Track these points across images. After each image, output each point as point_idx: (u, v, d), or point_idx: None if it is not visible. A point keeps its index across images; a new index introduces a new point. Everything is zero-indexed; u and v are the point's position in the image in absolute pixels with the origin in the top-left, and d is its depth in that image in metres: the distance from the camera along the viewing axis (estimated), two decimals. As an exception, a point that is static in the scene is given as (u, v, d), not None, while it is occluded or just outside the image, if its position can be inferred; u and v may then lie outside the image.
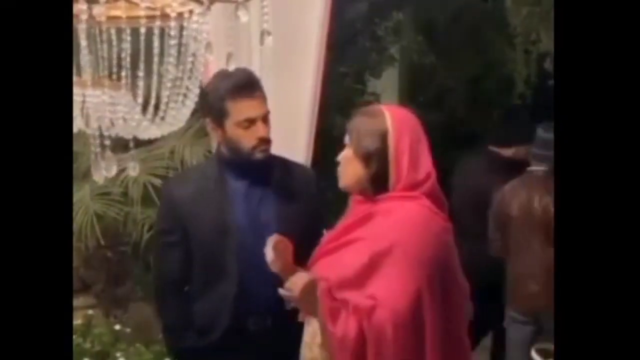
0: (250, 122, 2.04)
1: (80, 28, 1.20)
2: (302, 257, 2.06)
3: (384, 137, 1.76)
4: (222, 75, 2.02)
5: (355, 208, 1.84)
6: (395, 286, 1.66)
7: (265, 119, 2.07)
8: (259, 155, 2.07)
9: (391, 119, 1.78)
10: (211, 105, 2.05)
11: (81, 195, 3.01)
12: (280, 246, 1.82)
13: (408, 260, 1.67)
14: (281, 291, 1.81)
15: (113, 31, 1.27)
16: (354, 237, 1.77)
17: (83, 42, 1.23)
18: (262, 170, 2.12)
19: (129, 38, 1.27)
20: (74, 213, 2.96)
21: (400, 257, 1.67)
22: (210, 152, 2.68)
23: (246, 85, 2.02)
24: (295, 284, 1.77)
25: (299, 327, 1.89)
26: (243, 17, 1.23)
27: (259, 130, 2.04)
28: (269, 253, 1.82)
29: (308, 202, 2.20)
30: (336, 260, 1.77)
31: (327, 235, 1.88)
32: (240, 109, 2.02)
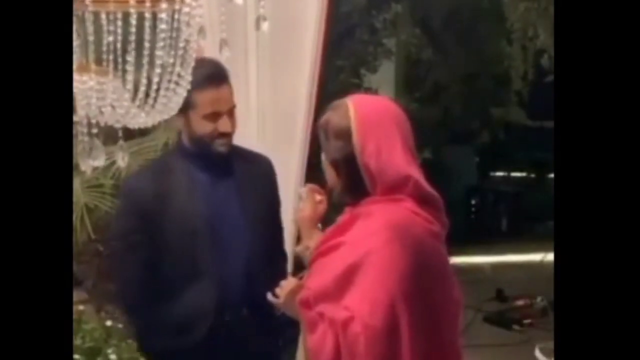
0: (216, 115, 2.00)
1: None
2: (269, 246, 2.06)
3: (348, 137, 1.57)
4: (196, 64, 1.98)
5: (346, 209, 1.70)
6: (369, 297, 1.51)
7: (230, 112, 2.02)
8: (220, 148, 2.03)
9: (354, 116, 1.57)
10: None
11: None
12: (312, 194, 1.75)
13: (382, 268, 1.52)
14: (269, 297, 1.74)
15: (103, 15, 1.23)
16: (339, 241, 1.62)
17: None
18: (225, 160, 2.08)
19: (119, 22, 1.23)
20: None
21: (374, 265, 1.52)
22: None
23: (214, 77, 1.96)
24: (283, 289, 1.69)
25: (275, 316, 1.87)
26: (237, 0, 1.18)
27: (223, 123, 2.00)
28: (299, 200, 1.77)
29: (269, 190, 2.19)
30: (323, 265, 1.65)
31: (323, 234, 1.75)
32: (207, 101, 1.97)
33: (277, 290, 1.73)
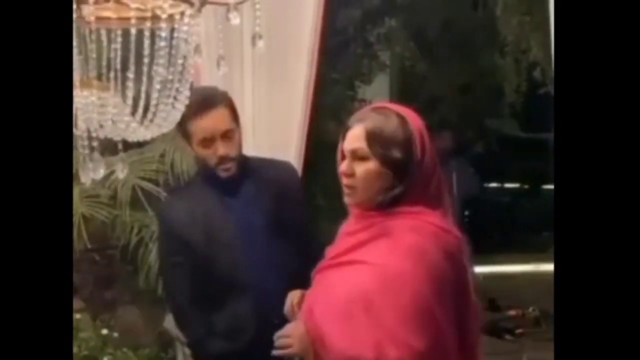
0: (209, 140, 2.05)
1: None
2: (298, 256, 2.09)
3: (408, 144, 1.58)
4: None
5: (357, 222, 1.66)
6: (404, 319, 1.49)
7: (226, 135, 2.06)
8: (223, 173, 2.09)
9: (412, 123, 1.60)
10: (179, 126, 2.06)
11: (69, 197, 2.99)
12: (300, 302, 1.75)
13: (413, 291, 1.50)
14: (277, 351, 1.71)
15: (103, 32, 1.27)
16: (354, 258, 1.60)
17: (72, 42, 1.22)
18: (240, 179, 2.13)
19: (119, 39, 1.26)
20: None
21: (403, 288, 1.50)
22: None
23: (201, 103, 2.00)
24: (292, 335, 1.66)
25: None
26: (234, 19, 1.22)
27: (218, 148, 2.05)
28: (288, 306, 1.78)
29: (294, 194, 2.23)
30: (333, 280, 1.63)
31: (331, 248, 1.72)
32: (197, 128, 2.03)
33: (287, 303, 1.78)
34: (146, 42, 1.28)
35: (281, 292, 2.09)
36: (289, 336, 1.65)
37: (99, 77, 1.30)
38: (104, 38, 1.27)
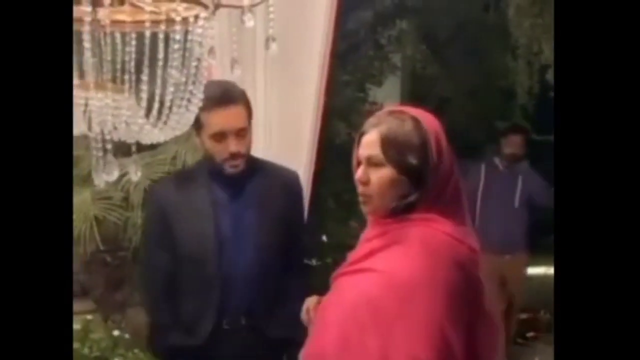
0: (222, 135, 2.05)
1: (84, 30, 1.20)
2: (282, 261, 2.11)
3: (424, 149, 1.53)
4: (206, 85, 2.03)
5: (373, 229, 1.62)
6: (416, 330, 1.44)
7: (240, 133, 2.06)
8: (230, 170, 2.09)
9: (427, 127, 1.55)
10: None
11: (81, 199, 3.00)
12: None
13: (425, 301, 1.45)
14: (302, 316, 1.77)
15: (118, 35, 1.27)
16: (366, 266, 1.56)
17: (87, 45, 1.23)
18: (245, 175, 2.13)
19: (133, 42, 1.27)
20: (74, 217, 2.95)
21: (416, 298, 1.45)
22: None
23: (220, 97, 2.01)
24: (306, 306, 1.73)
25: (273, 325, 2.04)
26: (249, 22, 1.22)
27: (230, 144, 2.05)
28: (304, 311, 1.79)
29: (291, 204, 2.24)
30: (345, 287, 1.59)
31: (351, 254, 1.68)
32: (212, 121, 2.02)
33: (304, 308, 1.77)
34: (160, 45, 1.28)
35: (246, 297, 2.11)
36: None
37: (114, 79, 1.30)
38: (118, 41, 1.27)
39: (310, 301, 1.76)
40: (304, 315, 1.77)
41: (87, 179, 2.99)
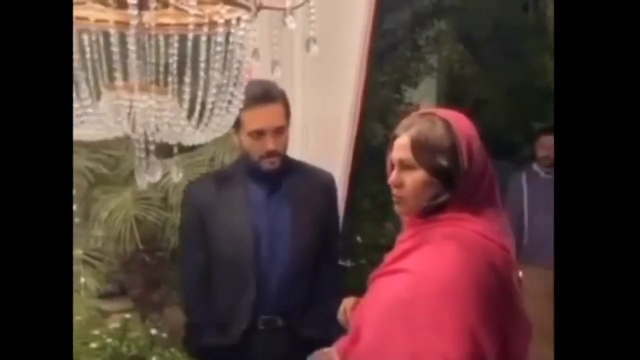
0: (259, 133, 2.07)
1: (129, 34, 1.22)
2: (316, 261, 2.11)
3: (454, 151, 1.54)
4: (247, 84, 2.05)
5: (407, 229, 1.64)
6: (446, 329, 1.43)
7: (277, 131, 2.08)
8: (266, 166, 2.11)
9: (457, 130, 1.56)
10: None
11: (122, 199, 3.05)
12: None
13: (457, 301, 1.45)
14: (338, 316, 1.79)
15: (161, 37, 1.29)
16: (400, 267, 1.57)
17: (132, 47, 1.25)
18: (280, 175, 2.15)
19: (176, 44, 1.29)
20: (114, 217, 3.00)
21: (448, 297, 1.45)
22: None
23: (260, 96, 2.03)
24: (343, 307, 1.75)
25: (309, 325, 2.02)
26: (291, 24, 1.23)
27: (268, 142, 2.07)
28: (341, 312, 1.81)
29: (326, 205, 2.25)
30: (381, 288, 1.60)
31: (387, 256, 1.68)
32: (251, 119, 2.04)
33: (340, 309, 1.78)
34: (202, 47, 1.29)
35: (283, 297, 2.11)
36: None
37: (157, 81, 1.32)
38: (161, 44, 1.29)
39: (348, 302, 1.78)
40: (340, 316, 1.79)
41: (128, 180, 3.04)
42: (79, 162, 3.18)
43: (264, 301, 2.14)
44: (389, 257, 1.65)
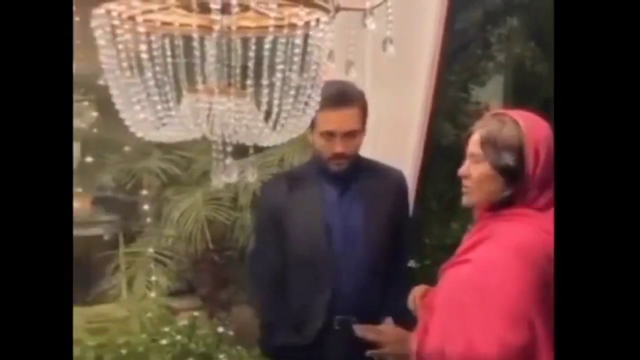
0: (330, 134, 2.08)
1: (209, 38, 1.24)
2: (387, 260, 2.10)
3: (520, 151, 1.66)
4: (325, 84, 2.05)
5: (478, 223, 1.77)
6: (504, 314, 1.55)
7: (348, 134, 2.08)
8: (333, 167, 2.12)
9: (526, 131, 1.67)
10: None
11: (194, 200, 3.11)
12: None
13: (515, 292, 1.56)
14: (409, 304, 1.85)
15: (238, 40, 1.30)
16: (467, 258, 1.69)
17: (211, 51, 1.26)
18: (352, 176, 2.16)
19: (253, 47, 1.30)
20: (186, 217, 3.05)
21: (506, 289, 1.56)
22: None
23: (335, 98, 2.02)
24: (413, 295, 1.81)
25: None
26: (370, 24, 1.22)
27: (336, 145, 2.07)
28: (411, 300, 1.88)
29: (397, 204, 2.24)
30: (450, 277, 1.72)
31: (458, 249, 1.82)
32: (323, 120, 2.05)
33: (410, 297, 1.85)
34: (281, 49, 1.30)
35: (357, 297, 2.10)
36: (382, 333, 1.79)
37: (232, 84, 1.34)
38: (238, 46, 1.30)
39: (417, 290, 1.89)
40: (410, 304, 1.88)
41: (199, 181, 3.09)
42: (153, 162, 3.26)
43: (339, 301, 2.14)
44: (459, 249, 1.77)
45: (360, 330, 1.84)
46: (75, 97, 4.15)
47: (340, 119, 2.06)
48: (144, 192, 3.52)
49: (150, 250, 3.29)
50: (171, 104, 1.31)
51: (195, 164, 3.00)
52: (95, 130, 3.65)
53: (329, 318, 2.15)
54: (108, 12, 1.17)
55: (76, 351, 2.97)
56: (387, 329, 1.90)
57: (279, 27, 1.24)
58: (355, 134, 2.10)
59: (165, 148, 3.17)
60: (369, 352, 1.82)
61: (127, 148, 3.48)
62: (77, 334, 3.16)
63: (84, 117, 3.65)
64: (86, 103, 3.68)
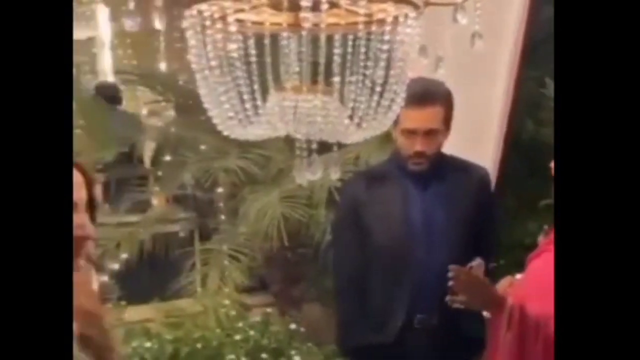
0: (411, 132, 2.05)
1: (293, 36, 1.23)
2: (469, 260, 2.06)
3: None
4: (411, 81, 2.03)
5: None
6: None
7: (429, 133, 2.05)
8: (412, 167, 2.09)
9: None
10: None
11: (270, 198, 3.13)
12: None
13: None
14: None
15: (322, 37, 1.29)
16: (547, 248, 1.71)
17: (301, 49, 1.26)
18: (432, 174, 2.13)
19: (338, 44, 1.28)
20: (262, 214, 3.08)
21: None
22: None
23: (418, 96, 1.98)
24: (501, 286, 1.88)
25: (465, 324, 2.01)
26: (462, 19, 1.19)
27: (416, 143, 2.04)
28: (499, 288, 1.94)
29: (481, 200, 2.19)
30: (541, 263, 1.74)
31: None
32: (405, 117, 2.01)
33: (499, 286, 1.88)
34: (368, 46, 1.29)
35: (437, 295, 2.06)
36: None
37: (321, 82, 1.33)
38: (323, 44, 1.29)
39: (504, 281, 1.89)
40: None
41: (276, 179, 3.12)
42: (231, 161, 3.30)
43: (420, 299, 2.11)
44: (541, 241, 1.88)
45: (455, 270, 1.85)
46: (153, 97, 4.27)
47: (422, 117, 2.04)
48: (220, 189, 3.57)
49: (225, 247, 3.34)
50: (258, 103, 1.31)
51: (271, 162, 3.02)
52: (172, 130, 3.72)
53: (409, 317, 2.12)
54: (200, 12, 1.19)
55: (154, 344, 3.05)
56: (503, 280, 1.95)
57: (368, 23, 1.22)
58: (437, 133, 2.07)
59: (243, 147, 3.20)
60: (448, 298, 1.86)
61: (203, 147, 3.53)
62: (155, 328, 3.24)
63: (162, 116, 3.74)
64: (164, 103, 3.76)
